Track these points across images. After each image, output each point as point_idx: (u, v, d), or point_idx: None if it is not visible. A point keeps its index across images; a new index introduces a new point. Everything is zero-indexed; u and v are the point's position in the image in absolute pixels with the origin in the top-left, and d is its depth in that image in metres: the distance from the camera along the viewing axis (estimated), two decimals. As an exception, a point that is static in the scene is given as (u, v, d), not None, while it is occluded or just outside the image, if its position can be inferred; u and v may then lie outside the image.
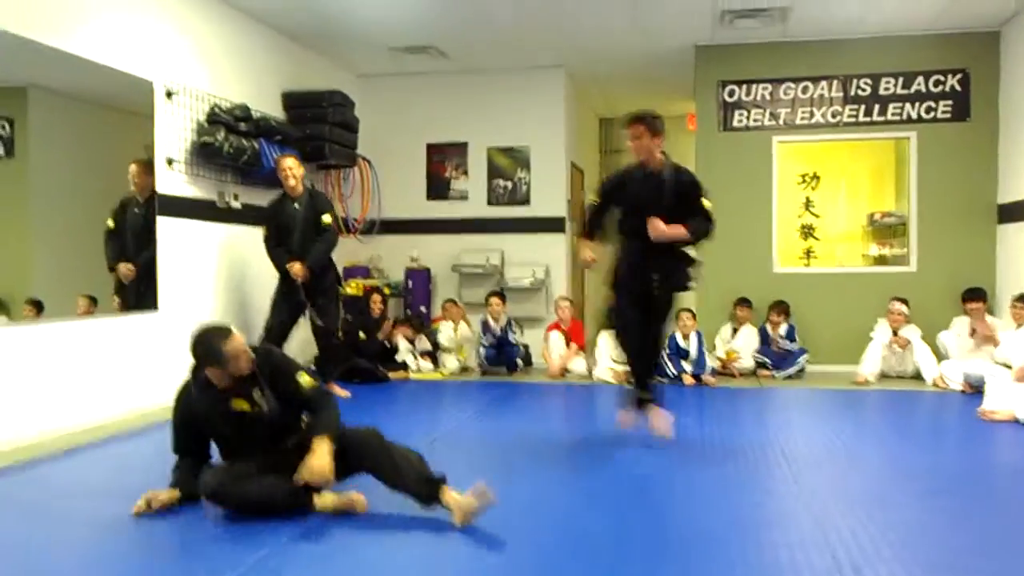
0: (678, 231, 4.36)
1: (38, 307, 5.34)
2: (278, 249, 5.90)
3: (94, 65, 4.97)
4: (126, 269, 5.35)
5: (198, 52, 5.96)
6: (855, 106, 7.43)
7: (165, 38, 5.60)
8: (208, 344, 3.16)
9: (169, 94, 5.60)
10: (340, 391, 5.88)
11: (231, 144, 5.91)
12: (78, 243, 5.14)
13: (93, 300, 5.17)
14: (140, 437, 4.73)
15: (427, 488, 3.13)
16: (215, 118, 5.92)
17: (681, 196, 4.44)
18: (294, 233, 5.88)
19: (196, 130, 5.84)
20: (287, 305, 5.93)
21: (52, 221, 4.94)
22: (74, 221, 5.09)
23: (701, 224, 4.44)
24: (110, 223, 5.40)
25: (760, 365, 7.12)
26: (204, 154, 5.83)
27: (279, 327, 5.93)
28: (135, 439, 4.69)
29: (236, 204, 6.27)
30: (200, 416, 3.29)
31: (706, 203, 4.45)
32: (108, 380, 4.98)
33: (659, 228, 4.33)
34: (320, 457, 3.10)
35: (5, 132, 4.92)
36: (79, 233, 5.14)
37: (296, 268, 5.79)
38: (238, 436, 3.29)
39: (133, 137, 5.48)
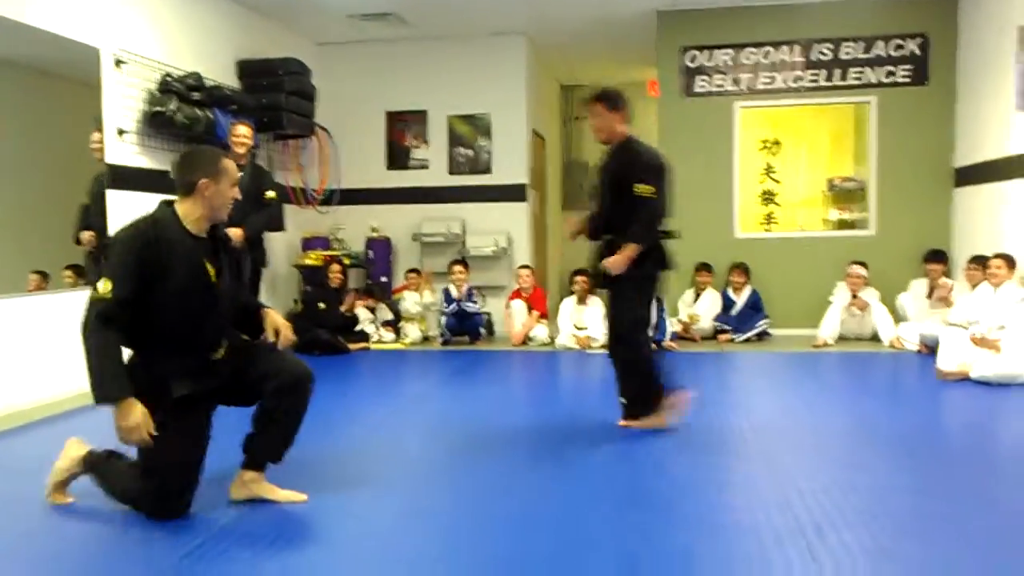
0: (626, 256, 3.86)
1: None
2: None
3: (38, 31, 4.79)
4: (88, 236, 5.26)
5: (148, 19, 5.78)
6: (816, 71, 7.44)
7: (112, 3, 5.42)
8: (205, 153, 2.92)
9: (118, 62, 5.44)
10: None
11: (184, 114, 5.76)
12: (25, 217, 4.99)
13: (44, 276, 5.04)
14: (94, 413, 4.63)
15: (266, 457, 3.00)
16: (167, 87, 5.76)
17: (618, 183, 3.96)
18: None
19: (147, 100, 5.68)
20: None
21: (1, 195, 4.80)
22: (21, 195, 4.94)
23: (640, 226, 3.88)
24: (86, 200, 5.35)
25: (720, 331, 7.20)
26: (156, 124, 5.68)
27: None
28: (88, 415, 4.60)
29: (191, 175, 6.13)
30: (167, 250, 2.74)
31: (640, 189, 3.85)
32: (61, 356, 4.87)
33: (609, 264, 3.91)
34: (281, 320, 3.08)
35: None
36: (26, 207, 5.00)
37: (235, 232, 5.66)
38: (195, 312, 2.84)
39: (82, 107, 5.32)
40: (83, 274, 5.23)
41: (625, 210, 3.92)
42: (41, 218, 5.07)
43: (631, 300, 4.03)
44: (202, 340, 2.91)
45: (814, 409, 4.58)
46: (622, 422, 4.11)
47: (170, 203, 2.88)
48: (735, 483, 3.28)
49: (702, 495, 3.09)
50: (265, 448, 2.98)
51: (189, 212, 2.84)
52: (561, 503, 3.02)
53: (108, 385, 2.68)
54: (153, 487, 2.84)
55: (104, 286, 2.67)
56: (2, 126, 4.79)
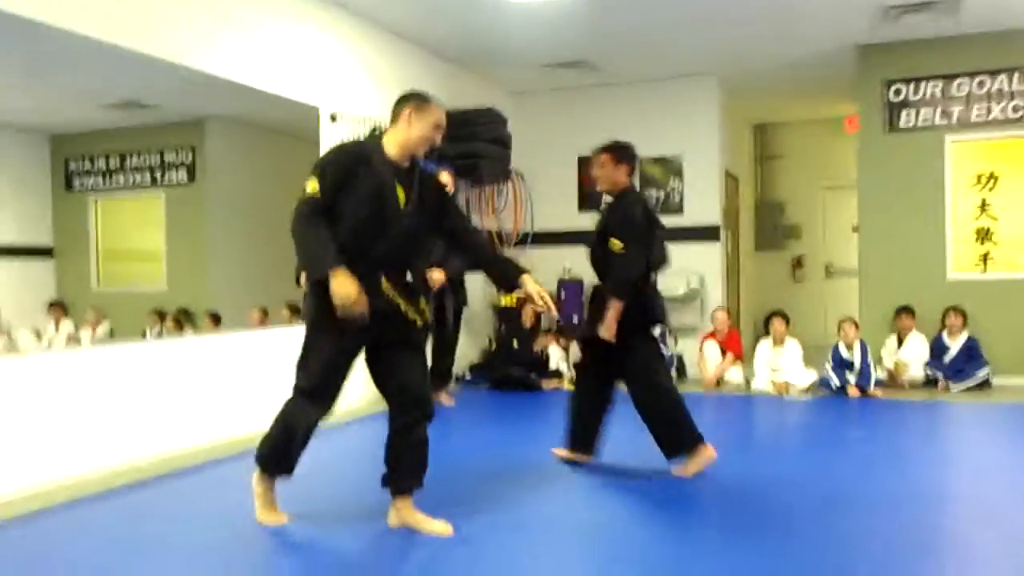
0: (612, 317, 3.93)
1: (216, 319, 5.74)
2: None
3: (266, 95, 5.28)
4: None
5: (360, 77, 6.23)
6: (1039, 99, 6.90)
7: (330, 66, 5.89)
8: (417, 92, 3.25)
9: (333, 117, 5.89)
10: (447, 400, 6.22)
11: (391, 163, 6.14)
12: (251, 260, 5.47)
13: (265, 312, 5.49)
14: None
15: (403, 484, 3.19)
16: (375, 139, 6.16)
17: (601, 234, 4.09)
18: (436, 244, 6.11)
19: (358, 150, 6.10)
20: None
21: (228, 240, 5.29)
22: (248, 240, 5.43)
23: (612, 283, 3.98)
24: None
25: (932, 379, 6.73)
26: (366, 173, 6.08)
27: (441, 344, 6.32)
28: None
29: (395, 220, 6.51)
30: (364, 164, 3.06)
31: (611, 244, 3.96)
32: (280, 387, 5.26)
33: (604, 333, 3.96)
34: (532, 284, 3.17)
35: (188, 160, 5.33)
36: (252, 251, 5.48)
37: (435, 275, 5.99)
38: (374, 222, 3.05)
39: (301, 159, 5.79)
40: (298, 312, 5.64)
41: (603, 262, 4.07)
42: (265, 259, 5.53)
43: (636, 355, 4.05)
44: (379, 259, 3.06)
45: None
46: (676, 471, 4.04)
47: (379, 133, 3.24)
48: (955, 546, 3.05)
49: (915, 556, 2.89)
50: (402, 478, 3.19)
51: (391, 139, 3.16)
52: (758, 563, 2.93)
53: (324, 259, 2.93)
54: (304, 370, 3.15)
55: (312, 186, 3.00)
56: (231, 178, 5.30)
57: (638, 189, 4.23)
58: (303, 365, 3.18)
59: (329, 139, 5.84)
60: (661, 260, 4.15)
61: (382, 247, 3.06)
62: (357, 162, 3.07)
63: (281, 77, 5.41)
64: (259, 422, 5.01)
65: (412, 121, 3.13)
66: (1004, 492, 3.71)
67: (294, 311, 5.66)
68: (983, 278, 7.19)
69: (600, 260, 4.13)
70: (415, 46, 6.95)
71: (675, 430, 4.04)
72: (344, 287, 2.90)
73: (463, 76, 7.74)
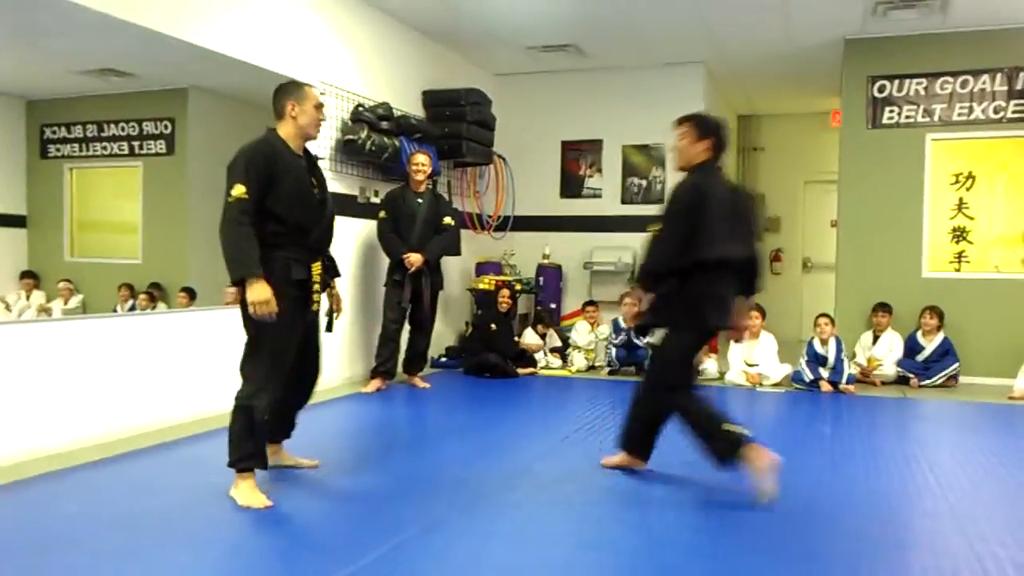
0: (630, 303, 4.17)
1: (191, 294, 5.67)
2: (393, 236, 6.07)
3: (248, 67, 5.20)
4: None
5: (344, 52, 6.16)
6: (1021, 101, 6.95)
7: (314, 39, 5.81)
8: (291, 82, 3.49)
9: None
10: (421, 383, 6.19)
11: (373, 142, 6.08)
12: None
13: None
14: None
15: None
16: (358, 116, 6.10)
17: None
18: (414, 226, 6.05)
19: (341, 128, 6.04)
20: (398, 302, 6.09)
21: (207, 215, 5.20)
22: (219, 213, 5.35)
23: (640, 267, 3.88)
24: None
25: (902, 378, 6.80)
26: (348, 151, 6.03)
27: (417, 327, 6.27)
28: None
29: (376, 200, 6.45)
30: (279, 162, 3.27)
31: (652, 227, 3.71)
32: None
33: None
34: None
35: (167, 131, 5.24)
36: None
37: (413, 257, 5.95)
38: (305, 214, 3.34)
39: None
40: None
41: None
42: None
43: (660, 353, 3.85)
44: (313, 241, 3.39)
45: (1012, 468, 4.24)
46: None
47: (273, 129, 3.42)
48: (924, 543, 3.08)
49: (890, 553, 2.92)
50: (282, 431, 3.73)
51: (285, 132, 3.39)
52: (730, 549, 2.94)
53: (245, 264, 3.16)
54: (260, 359, 3.30)
55: (238, 190, 3.18)
56: (211, 151, 5.21)
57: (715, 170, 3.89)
58: (253, 356, 3.33)
59: (311, 115, 5.77)
60: (732, 255, 3.52)
61: (315, 234, 3.39)
62: (273, 161, 3.26)
63: (265, 50, 5.33)
64: (230, 401, 4.99)
65: (297, 111, 3.35)
66: (970, 490, 3.75)
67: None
68: (957, 277, 7.26)
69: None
70: (400, 23, 6.88)
71: (634, 428, 3.92)
72: (261, 293, 3.14)
73: (447, 55, 7.68)
